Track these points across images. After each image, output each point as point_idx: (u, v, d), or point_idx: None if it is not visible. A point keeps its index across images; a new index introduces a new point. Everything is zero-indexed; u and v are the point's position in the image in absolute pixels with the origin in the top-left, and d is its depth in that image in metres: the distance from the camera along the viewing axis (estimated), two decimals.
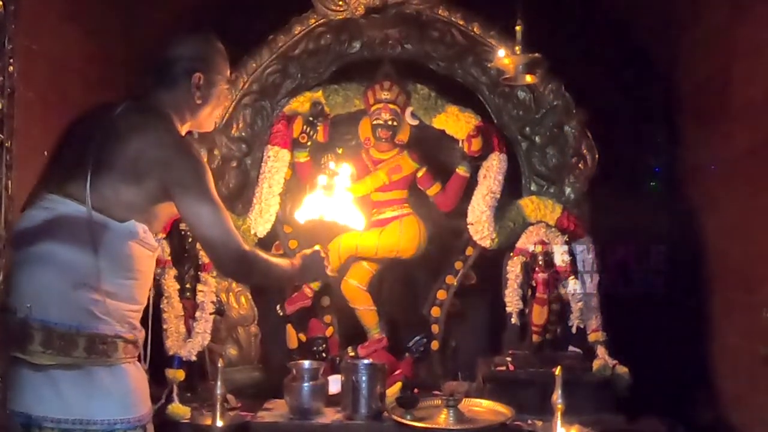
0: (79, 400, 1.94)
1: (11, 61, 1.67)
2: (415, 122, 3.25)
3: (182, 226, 2.95)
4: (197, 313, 2.98)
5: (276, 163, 3.18)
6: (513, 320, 3.10)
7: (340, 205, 2.53)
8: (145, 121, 2.08)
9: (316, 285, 3.21)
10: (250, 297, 3.25)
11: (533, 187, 3.27)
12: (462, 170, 3.23)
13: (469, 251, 3.27)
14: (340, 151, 3.24)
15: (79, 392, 1.95)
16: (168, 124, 2.12)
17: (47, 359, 1.92)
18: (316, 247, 2.40)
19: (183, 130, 2.21)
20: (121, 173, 2.01)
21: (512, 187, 3.25)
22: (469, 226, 3.19)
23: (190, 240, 2.99)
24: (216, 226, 2.06)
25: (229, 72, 2.31)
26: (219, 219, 2.07)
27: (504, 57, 2.78)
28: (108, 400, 1.97)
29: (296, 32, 3.23)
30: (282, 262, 2.31)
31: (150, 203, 2.06)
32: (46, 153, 2.39)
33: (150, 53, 2.90)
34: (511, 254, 3.15)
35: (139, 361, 2.11)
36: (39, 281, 1.94)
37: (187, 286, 2.98)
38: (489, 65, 3.15)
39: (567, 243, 3.11)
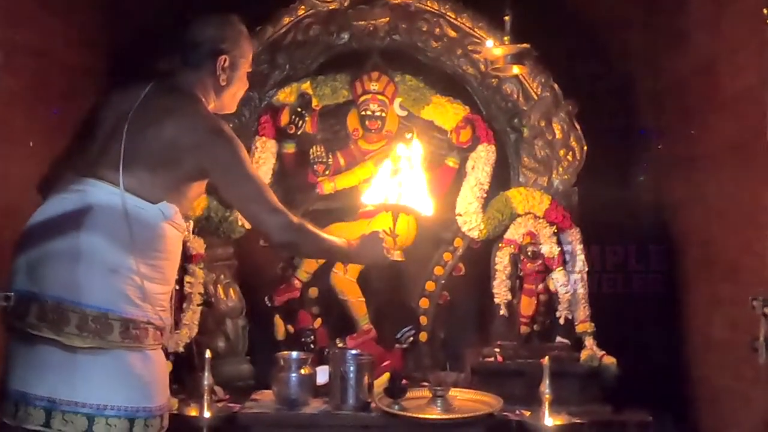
0: (106, 386, 1.97)
1: None
2: (404, 113, 3.25)
3: None
4: (185, 305, 2.97)
5: (263, 154, 3.16)
6: (501, 311, 3.10)
7: (409, 188, 2.56)
8: (178, 103, 2.11)
9: (304, 275, 3.20)
10: (238, 289, 3.24)
11: (522, 179, 3.26)
12: (450, 161, 3.23)
13: (458, 242, 3.27)
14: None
15: (106, 377, 1.97)
16: (200, 106, 2.16)
17: (82, 342, 1.94)
18: (376, 230, 2.46)
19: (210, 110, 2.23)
20: (157, 156, 2.04)
21: (501, 179, 3.26)
22: (457, 217, 3.19)
23: None
24: (260, 201, 2.14)
25: (251, 55, 2.34)
26: (262, 193, 2.15)
27: (493, 47, 2.79)
28: (133, 387, 2.00)
29: (284, 23, 3.21)
30: (338, 240, 2.36)
31: (184, 184, 2.11)
32: (31, 144, 2.39)
33: (133, 43, 2.91)
34: (500, 245, 3.15)
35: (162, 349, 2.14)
36: (73, 266, 1.95)
37: (176, 277, 2.96)
38: (477, 56, 3.15)
39: (555, 234, 3.12)
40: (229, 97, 2.31)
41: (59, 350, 1.94)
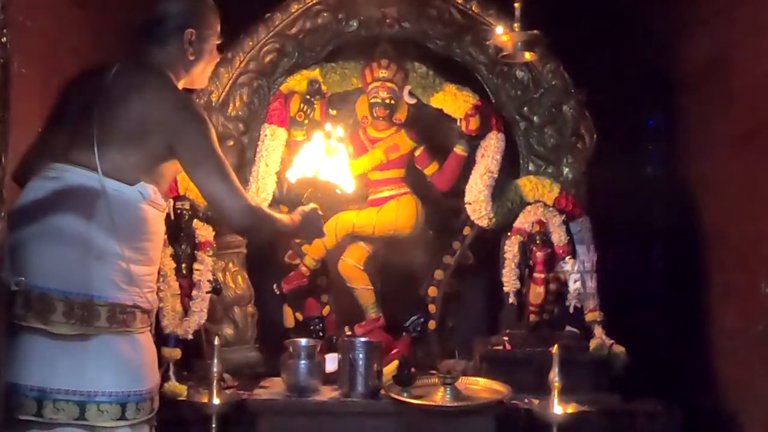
0: (95, 372, 1.96)
1: (5, 31, 1.66)
2: (413, 101, 3.24)
3: (178, 204, 2.94)
4: (194, 292, 2.97)
5: (273, 141, 3.16)
6: (510, 300, 3.09)
7: (333, 165, 2.55)
8: (145, 80, 2.09)
9: (311, 262, 3.20)
10: (246, 277, 3.25)
11: (531, 167, 3.25)
12: (460, 149, 3.22)
13: (467, 231, 3.26)
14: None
15: (96, 364, 1.96)
16: (167, 82, 2.14)
17: (69, 329, 1.93)
18: (312, 205, 2.44)
19: (179, 86, 2.21)
20: (126, 135, 2.02)
21: (510, 167, 3.24)
22: (466, 206, 3.18)
23: (186, 218, 2.97)
24: (222, 183, 2.10)
25: (219, 27, 2.31)
26: (224, 176, 2.11)
27: (502, 34, 2.76)
28: (123, 372, 2.00)
29: (293, 10, 3.20)
30: (284, 218, 2.36)
31: (156, 163, 2.08)
32: (40, 130, 2.38)
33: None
34: (509, 234, 3.14)
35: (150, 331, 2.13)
36: (57, 254, 1.94)
37: (183, 264, 2.96)
38: (487, 42, 3.13)
39: (565, 223, 3.10)
40: (198, 72, 2.28)
41: (47, 339, 1.93)
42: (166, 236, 2.90)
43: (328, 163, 2.56)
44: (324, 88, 3.20)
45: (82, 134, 2.00)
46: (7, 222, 1.97)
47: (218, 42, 2.32)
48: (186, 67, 2.23)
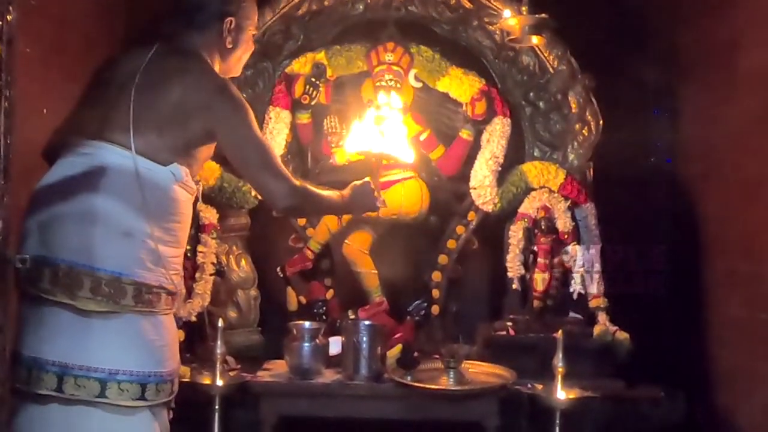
0: (118, 350, 1.96)
1: (11, 10, 1.65)
2: (419, 85, 3.22)
3: None
4: (197, 274, 2.97)
5: (277, 124, 3.15)
6: (514, 285, 3.09)
7: (390, 136, 2.57)
8: (184, 64, 2.09)
9: (315, 246, 3.19)
10: (250, 260, 3.24)
11: (536, 153, 3.25)
12: (465, 134, 3.21)
13: (471, 216, 3.25)
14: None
15: (119, 342, 1.96)
16: (207, 67, 2.15)
17: (96, 306, 1.93)
18: (366, 179, 2.43)
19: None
20: (165, 117, 2.02)
21: (515, 153, 3.24)
22: (471, 191, 3.18)
23: None
24: (265, 165, 2.12)
25: (256, 18, 2.33)
26: (267, 158, 2.13)
27: (510, 17, 2.75)
28: (145, 352, 2.00)
29: None
30: (332, 194, 2.36)
31: (193, 146, 2.09)
32: (45, 111, 2.38)
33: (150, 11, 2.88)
34: (514, 219, 3.14)
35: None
36: (86, 230, 1.94)
37: (187, 246, 2.96)
38: (494, 26, 3.12)
39: (569, 209, 3.10)
40: (234, 60, 2.29)
41: (72, 315, 1.94)
42: None
43: (384, 135, 2.57)
44: (329, 71, 3.19)
45: (118, 114, 2.01)
46: (33, 197, 1.99)
47: (255, 32, 2.32)
48: (223, 55, 2.23)
